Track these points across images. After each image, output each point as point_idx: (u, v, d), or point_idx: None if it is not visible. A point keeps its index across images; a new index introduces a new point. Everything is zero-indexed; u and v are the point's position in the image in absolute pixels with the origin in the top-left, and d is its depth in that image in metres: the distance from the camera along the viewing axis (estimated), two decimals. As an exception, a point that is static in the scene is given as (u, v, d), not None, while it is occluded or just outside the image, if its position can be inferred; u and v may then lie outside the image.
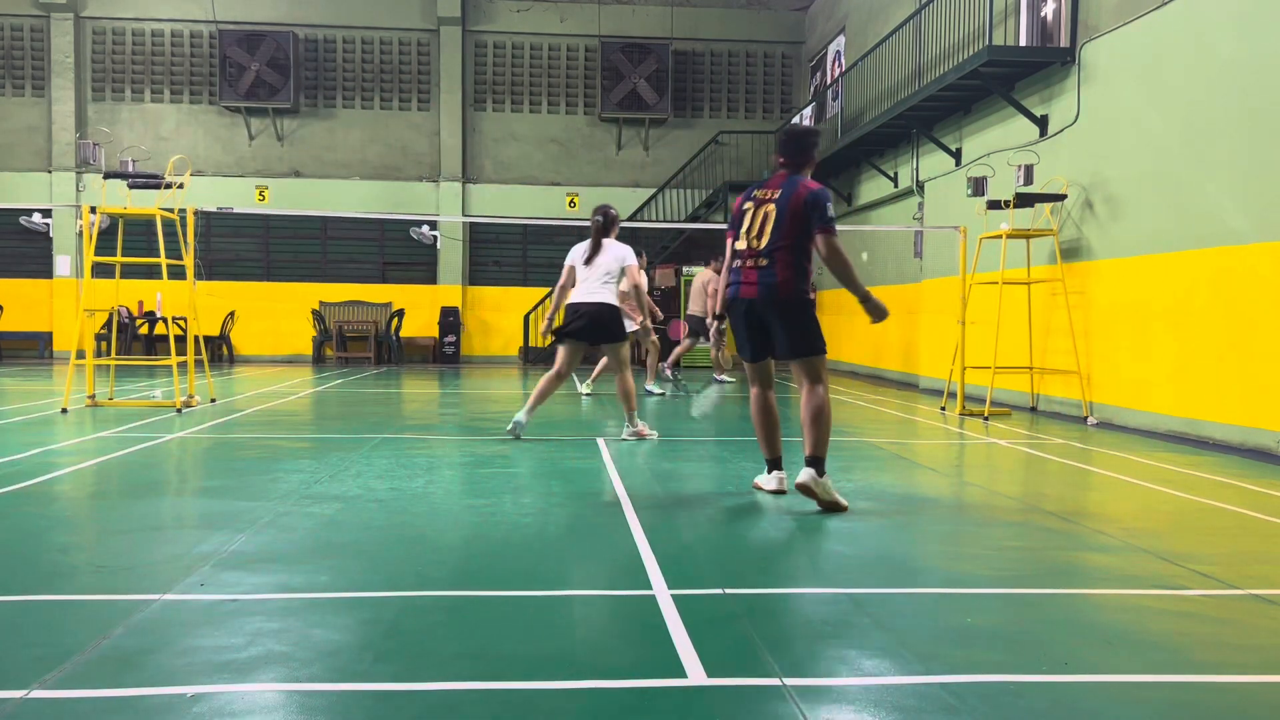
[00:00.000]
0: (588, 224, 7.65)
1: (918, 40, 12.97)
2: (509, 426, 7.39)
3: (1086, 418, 9.28)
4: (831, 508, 4.87)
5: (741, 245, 5.17)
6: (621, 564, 3.82)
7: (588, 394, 11.56)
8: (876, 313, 5.15)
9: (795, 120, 16.90)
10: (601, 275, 7.39)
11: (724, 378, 13.72)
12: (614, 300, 7.36)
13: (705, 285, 13.18)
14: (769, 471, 5.36)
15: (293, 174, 19.06)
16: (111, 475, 5.70)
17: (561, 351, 7.50)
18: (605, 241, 7.45)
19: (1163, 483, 5.91)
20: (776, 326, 5.11)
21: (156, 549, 3.97)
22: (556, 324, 7.74)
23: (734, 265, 5.23)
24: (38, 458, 6.23)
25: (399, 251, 19.37)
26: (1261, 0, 7.33)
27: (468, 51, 19.38)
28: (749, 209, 5.19)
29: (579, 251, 7.62)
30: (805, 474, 4.89)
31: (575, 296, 7.43)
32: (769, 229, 5.06)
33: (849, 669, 2.72)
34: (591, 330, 7.33)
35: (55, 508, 4.82)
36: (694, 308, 13.45)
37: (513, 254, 19.61)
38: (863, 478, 5.91)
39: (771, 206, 5.08)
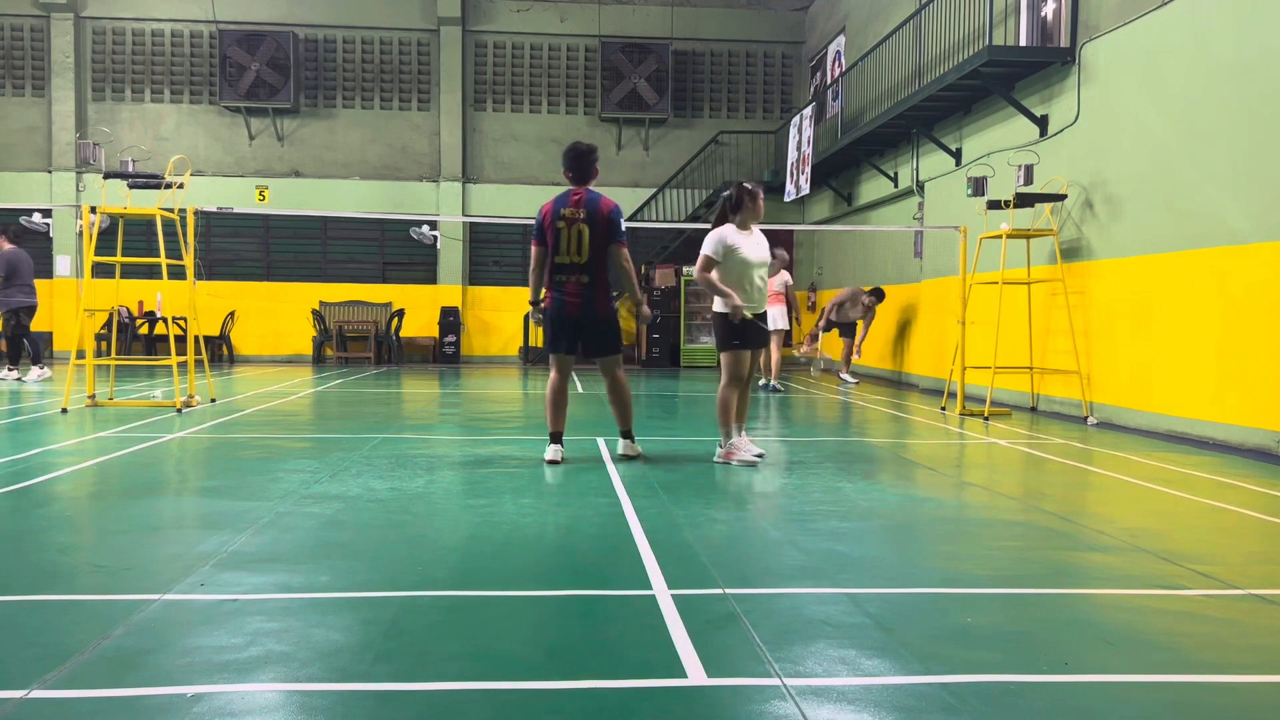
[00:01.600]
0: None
1: (918, 40, 12.97)
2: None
3: (1086, 418, 9.28)
4: (634, 456, 6.53)
5: (564, 260, 6.18)
6: (621, 564, 3.82)
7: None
8: (644, 318, 6.76)
9: (795, 120, 16.89)
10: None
11: (847, 377, 13.94)
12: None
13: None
14: (553, 444, 6.38)
15: (293, 174, 19.06)
16: (111, 475, 5.70)
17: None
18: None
19: (1163, 483, 5.91)
20: (591, 333, 6.29)
21: (156, 549, 3.97)
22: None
23: (557, 279, 6.22)
24: (38, 458, 6.23)
25: (399, 251, 19.37)
26: (1261, 0, 7.33)
27: (468, 51, 19.38)
28: (562, 228, 6.16)
29: None
30: (624, 445, 6.59)
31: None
32: (585, 245, 6.15)
33: (849, 669, 2.72)
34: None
35: (55, 508, 4.82)
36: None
37: (513, 254, 19.61)
38: (863, 478, 5.92)
39: (584, 226, 6.15)
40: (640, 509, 4.86)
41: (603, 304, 6.24)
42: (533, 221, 6.40)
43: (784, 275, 12.74)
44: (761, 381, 12.45)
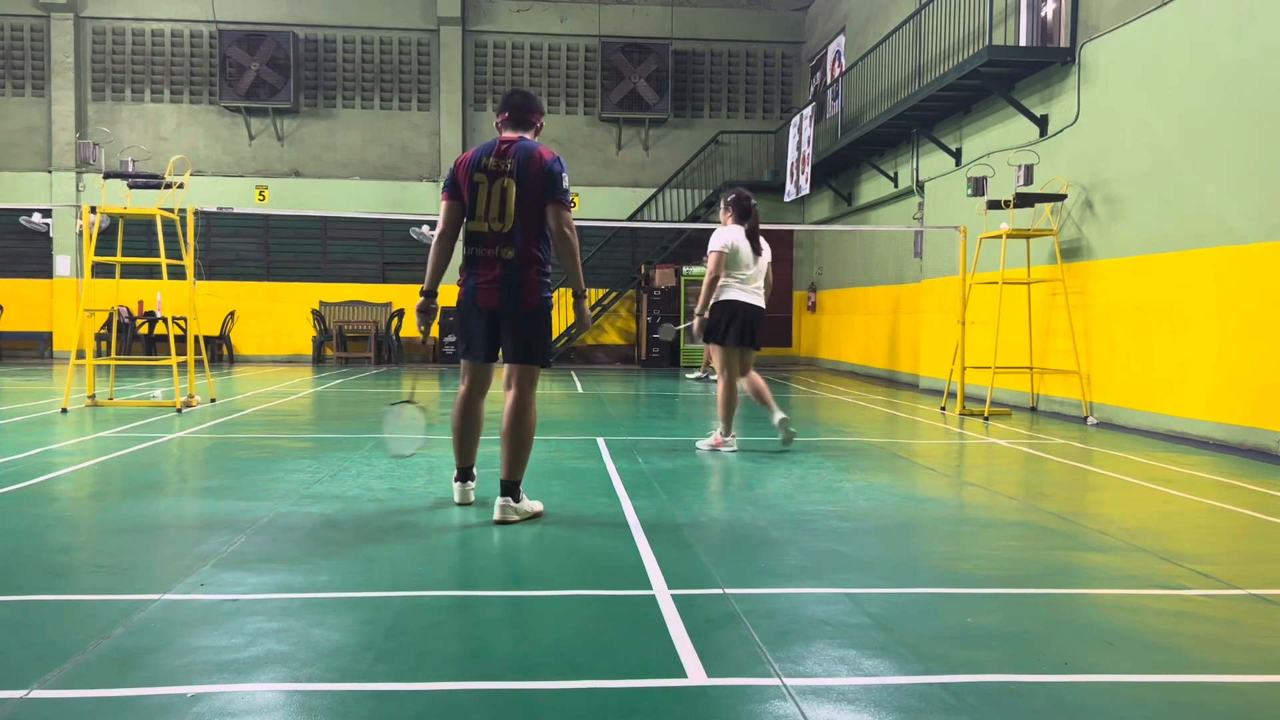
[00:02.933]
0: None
1: (918, 40, 12.97)
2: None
3: (1086, 418, 9.28)
4: (532, 518, 4.62)
5: (480, 227, 4.56)
6: (621, 564, 3.82)
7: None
8: (583, 322, 4.87)
9: (795, 120, 16.88)
10: None
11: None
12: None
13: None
14: (461, 480, 4.90)
15: (293, 174, 19.06)
16: (111, 475, 5.70)
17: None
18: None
19: (1163, 483, 5.91)
20: (512, 330, 4.60)
21: (156, 549, 3.97)
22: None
23: (470, 253, 4.61)
24: (38, 458, 6.23)
25: (399, 251, 19.37)
26: (1261, 0, 7.33)
27: (468, 51, 19.38)
28: (481, 182, 4.53)
29: None
30: (502, 505, 4.52)
31: None
32: (510, 208, 4.50)
33: (849, 669, 2.72)
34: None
35: (55, 508, 4.82)
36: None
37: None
38: (863, 478, 5.91)
39: (510, 182, 4.50)
40: (640, 509, 4.86)
41: (530, 292, 4.54)
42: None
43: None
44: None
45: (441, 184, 4.83)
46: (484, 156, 4.57)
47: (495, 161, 4.53)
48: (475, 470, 4.98)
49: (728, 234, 6.72)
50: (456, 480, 4.94)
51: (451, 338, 18.50)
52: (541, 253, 4.57)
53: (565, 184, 4.55)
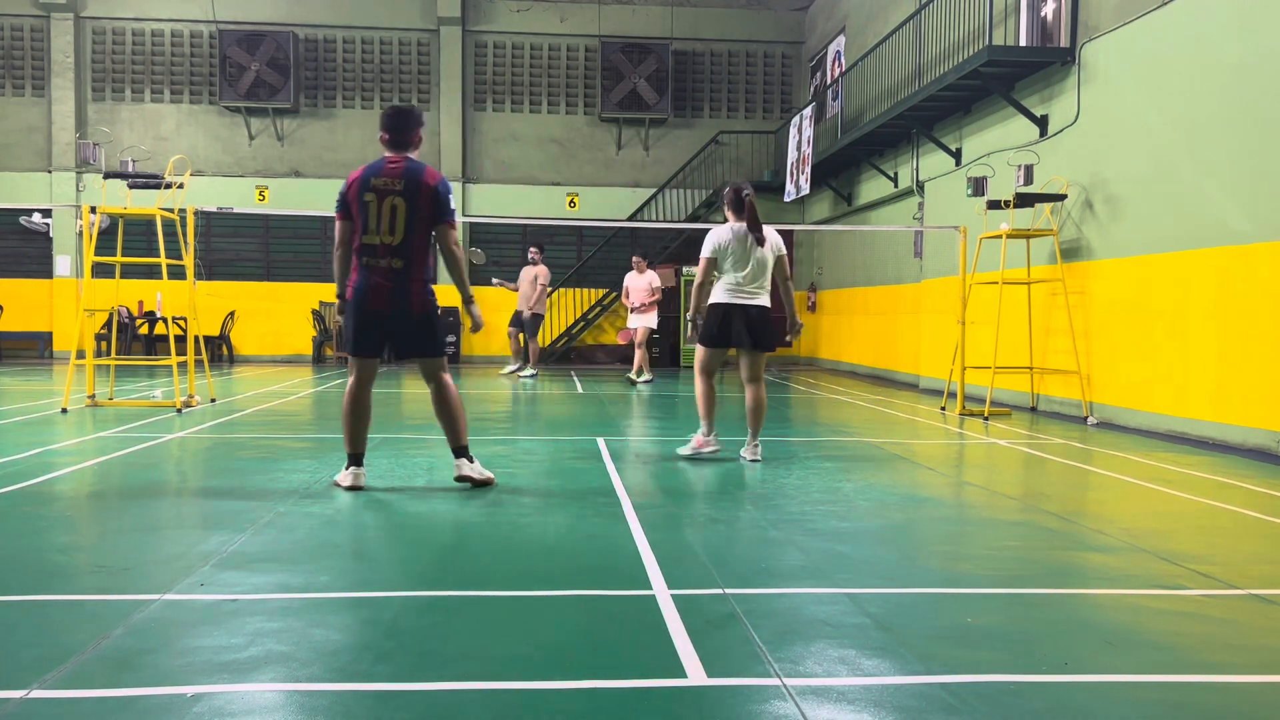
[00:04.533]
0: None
1: (918, 40, 12.97)
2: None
3: (1086, 418, 9.28)
4: (484, 484, 5.35)
5: (373, 240, 5.08)
6: (621, 564, 3.82)
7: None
8: (476, 322, 5.40)
9: (795, 120, 16.88)
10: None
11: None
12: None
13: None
14: (351, 466, 5.29)
15: (293, 174, 19.06)
16: (111, 475, 5.70)
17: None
18: None
19: (1163, 483, 5.91)
20: (402, 332, 5.20)
21: (156, 549, 3.97)
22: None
23: (363, 262, 5.12)
24: (38, 458, 6.23)
25: (399, 251, 19.34)
26: (1261, 0, 7.33)
27: (468, 51, 19.38)
28: (370, 201, 5.06)
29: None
30: (462, 465, 5.34)
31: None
32: (400, 223, 5.06)
33: (849, 669, 2.72)
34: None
35: (55, 508, 4.82)
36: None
37: (513, 254, 19.60)
38: (863, 478, 5.91)
39: (399, 200, 5.05)
40: (640, 509, 4.86)
41: (419, 297, 5.15)
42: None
43: (651, 275, 13.59)
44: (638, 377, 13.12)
45: (336, 206, 5.31)
46: (372, 176, 5.11)
47: (384, 181, 5.09)
48: (364, 459, 5.42)
49: (716, 236, 6.39)
50: (347, 467, 5.31)
51: (451, 338, 18.52)
52: (425, 262, 5.20)
53: (451, 204, 5.22)
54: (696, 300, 6.48)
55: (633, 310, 13.61)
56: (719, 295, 6.39)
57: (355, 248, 5.15)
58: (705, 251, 6.40)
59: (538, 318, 14.65)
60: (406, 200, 5.07)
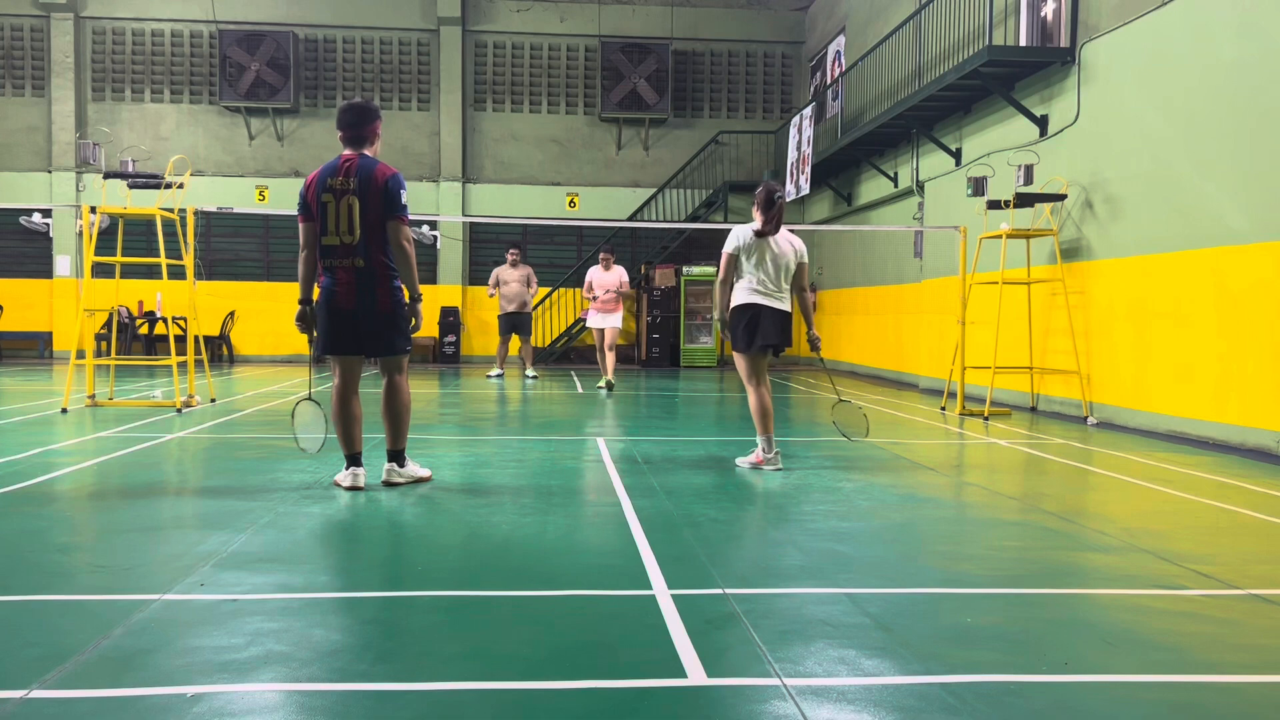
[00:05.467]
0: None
1: (918, 40, 12.97)
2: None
3: (1086, 418, 9.28)
4: (416, 482, 5.42)
5: (333, 241, 5.11)
6: (621, 564, 3.82)
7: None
8: (418, 321, 5.31)
9: (795, 120, 16.88)
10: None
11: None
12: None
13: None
14: (351, 467, 5.34)
15: (293, 174, 19.05)
16: (111, 475, 5.70)
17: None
18: None
19: (1163, 483, 5.91)
20: (368, 329, 5.21)
21: (156, 549, 3.97)
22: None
23: (327, 264, 5.16)
24: (38, 458, 6.23)
25: (399, 251, 19.34)
26: (1261, 0, 7.33)
27: (468, 51, 19.38)
28: (329, 201, 5.09)
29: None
30: (390, 470, 5.39)
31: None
32: (356, 221, 5.07)
33: (849, 669, 2.72)
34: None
35: (55, 508, 4.82)
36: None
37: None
38: (863, 478, 5.91)
39: (354, 199, 5.06)
40: (640, 509, 4.86)
41: (383, 294, 5.16)
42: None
43: (619, 272, 12.92)
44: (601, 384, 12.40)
45: (297, 208, 5.30)
46: (329, 177, 5.12)
47: (340, 181, 5.09)
48: (362, 458, 5.45)
49: (738, 234, 6.20)
50: (346, 468, 5.36)
51: (451, 337, 18.51)
52: (388, 258, 5.17)
53: (403, 199, 5.13)
54: (721, 299, 6.25)
55: (594, 308, 12.64)
56: (745, 296, 6.16)
57: (319, 251, 5.18)
58: (728, 248, 6.19)
59: (530, 318, 14.35)
60: (360, 198, 5.06)
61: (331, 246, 5.12)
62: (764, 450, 6.21)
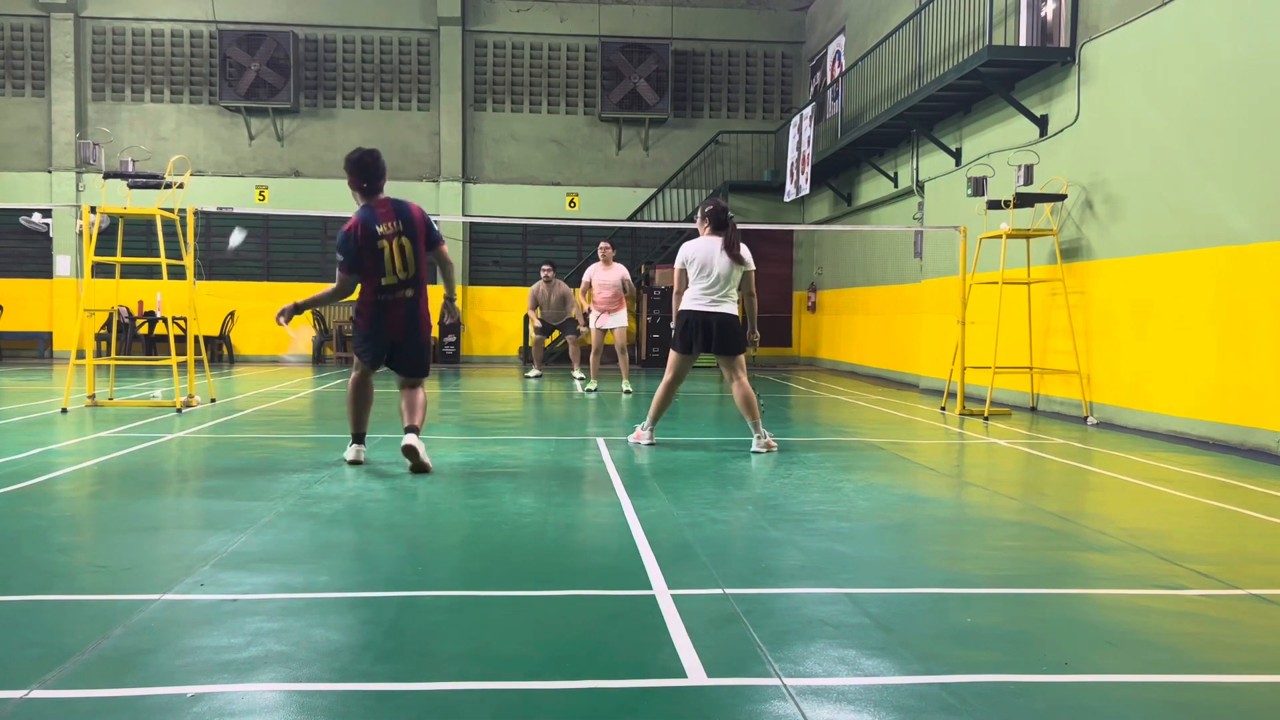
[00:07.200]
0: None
1: (918, 40, 12.97)
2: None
3: (1086, 418, 9.28)
4: (423, 468, 5.74)
5: (391, 280, 5.68)
6: (621, 564, 3.82)
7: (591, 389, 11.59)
8: (454, 313, 6.16)
9: (795, 119, 16.88)
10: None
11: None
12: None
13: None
14: (356, 444, 6.09)
15: (293, 174, 19.06)
16: (111, 475, 5.70)
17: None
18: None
19: (1163, 483, 5.91)
20: (409, 352, 5.90)
21: (156, 549, 3.97)
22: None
23: (381, 300, 5.72)
24: (38, 458, 6.22)
25: (399, 251, 19.34)
26: (1261, 0, 7.33)
27: (468, 51, 19.38)
28: (384, 247, 5.63)
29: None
30: (412, 438, 5.76)
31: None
32: (410, 259, 5.70)
33: (849, 669, 2.72)
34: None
35: (55, 508, 4.82)
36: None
37: (513, 254, 19.61)
38: (863, 478, 5.91)
39: (405, 240, 5.67)
40: (640, 509, 4.86)
41: (425, 321, 5.88)
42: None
43: (620, 270, 12.24)
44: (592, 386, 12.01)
45: (341, 260, 5.80)
46: (374, 225, 5.65)
47: (386, 227, 5.65)
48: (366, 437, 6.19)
49: (686, 249, 6.98)
50: (352, 444, 6.08)
51: (451, 338, 18.51)
52: (424, 286, 5.85)
53: (436, 225, 5.88)
54: (675, 308, 7.12)
55: (600, 309, 11.98)
56: (685, 304, 7.01)
57: (369, 288, 5.71)
58: (676, 264, 7.06)
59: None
60: (409, 237, 5.67)
61: (390, 285, 5.70)
62: (645, 428, 7.27)
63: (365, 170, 5.66)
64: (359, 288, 5.81)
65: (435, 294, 9.90)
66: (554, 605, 3.31)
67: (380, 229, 5.60)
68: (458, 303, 6.12)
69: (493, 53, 19.53)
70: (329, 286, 5.94)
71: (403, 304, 5.74)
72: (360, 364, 6.03)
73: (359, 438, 6.10)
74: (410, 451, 5.71)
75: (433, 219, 5.89)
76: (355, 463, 5.97)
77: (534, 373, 14.47)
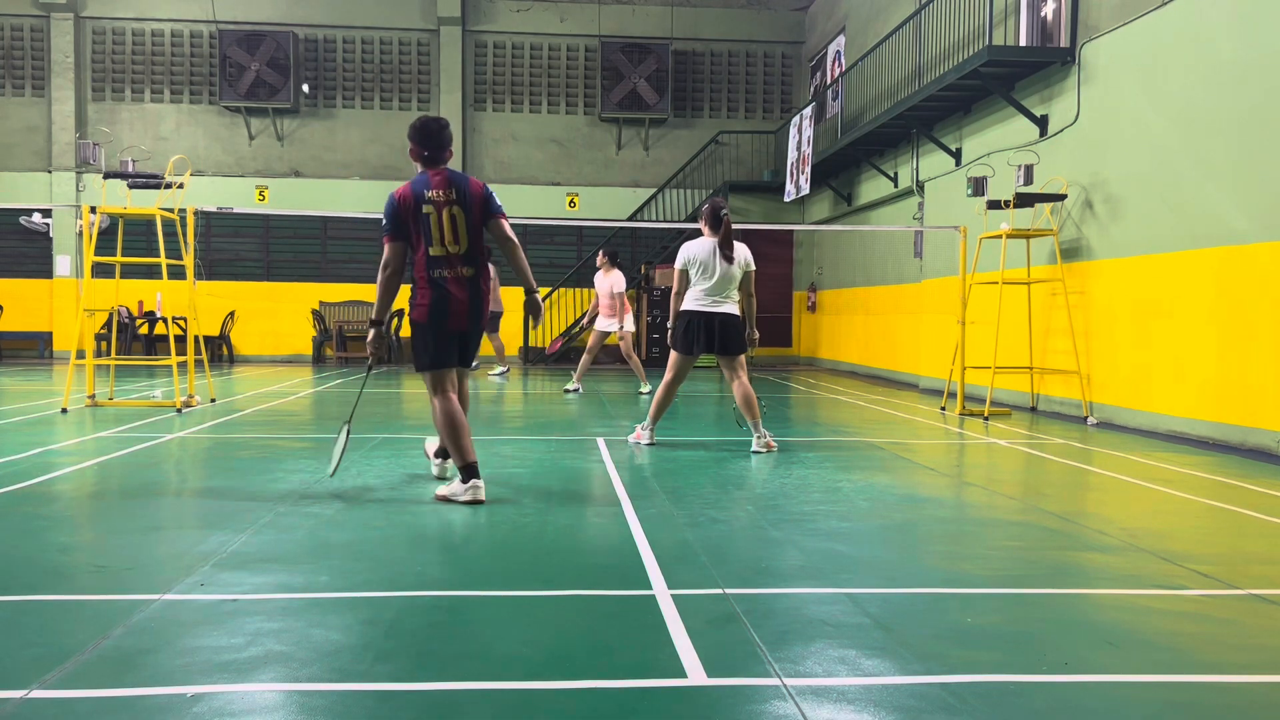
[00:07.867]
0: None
1: (918, 40, 12.97)
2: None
3: (1086, 418, 9.27)
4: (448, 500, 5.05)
5: (440, 252, 4.99)
6: (621, 564, 3.82)
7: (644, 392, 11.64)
8: (536, 310, 5.27)
9: (795, 119, 16.88)
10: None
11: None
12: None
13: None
14: (473, 477, 5.00)
15: (293, 174, 19.06)
16: (111, 475, 5.70)
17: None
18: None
19: (1163, 483, 5.91)
20: (473, 340, 5.22)
21: (156, 549, 3.97)
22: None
23: (435, 275, 4.98)
24: (38, 458, 6.23)
25: (399, 251, 19.33)
26: (1261, 0, 7.33)
27: (468, 51, 19.38)
28: (430, 213, 4.98)
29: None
30: (441, 465, 5.53)
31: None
32: (462, 231, 5.02)
33: (849, 669, 2.72)
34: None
35: (55, 508, 4.82)
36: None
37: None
38: (863, 478, 5.91)
39: (457, 209, 5.01)
40: (640, 509, 4.86)
41: (485, 308, 5.17)
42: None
43: (615, 276, 12.08)
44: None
45: (384, 224, 5.07)
46: (424, 190, 5.03)
47: (438, 193, 5.03)
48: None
49: (686, 249, 7.01)
50: (471, 479, 4.99)
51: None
52: (485, 265, 5.16)
53: (497, 200, 5.17)
54: (674, 309, 7.12)
55: (603, 315, 12.03)
56: (686, 304, 7.01)
57: (420, 263, 5.01)
58: (677, 264, 7.07)
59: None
60: (463, 208, 5.02)
61: (440, 257, 5.00)
62: (644, 428, 7.27)
63: (428, 137, 5.12)
64: (412, 281, 5.11)
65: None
66: (554, 605, 3.31)
67: (430, 194, 5.00)
68: (539, 294, 5.29)
69: (493, 53, 19.53)
70: (379, 280, 5.05)
71: (463, 284, 5.01)
72: (434, 380, 5.11)
73: (471, 469, 5.00)
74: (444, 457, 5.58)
75: (496, 198, 5.17)
76: (474, 502, 4.95)
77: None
